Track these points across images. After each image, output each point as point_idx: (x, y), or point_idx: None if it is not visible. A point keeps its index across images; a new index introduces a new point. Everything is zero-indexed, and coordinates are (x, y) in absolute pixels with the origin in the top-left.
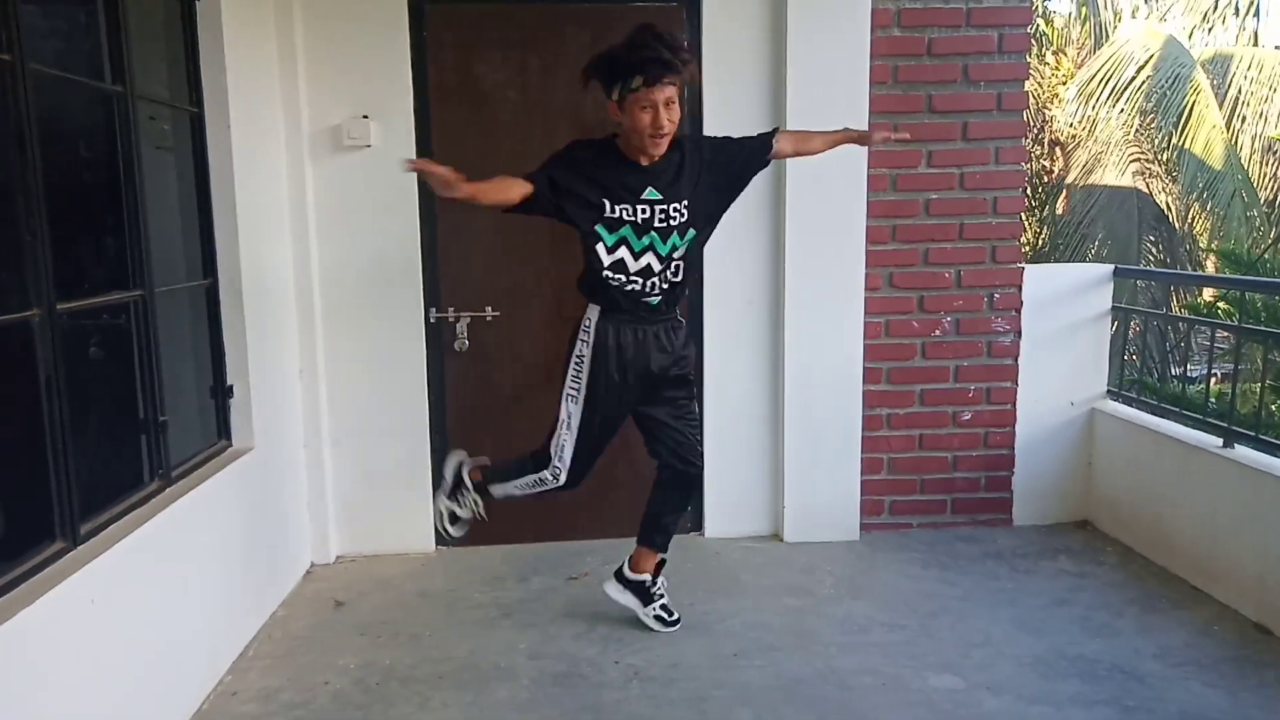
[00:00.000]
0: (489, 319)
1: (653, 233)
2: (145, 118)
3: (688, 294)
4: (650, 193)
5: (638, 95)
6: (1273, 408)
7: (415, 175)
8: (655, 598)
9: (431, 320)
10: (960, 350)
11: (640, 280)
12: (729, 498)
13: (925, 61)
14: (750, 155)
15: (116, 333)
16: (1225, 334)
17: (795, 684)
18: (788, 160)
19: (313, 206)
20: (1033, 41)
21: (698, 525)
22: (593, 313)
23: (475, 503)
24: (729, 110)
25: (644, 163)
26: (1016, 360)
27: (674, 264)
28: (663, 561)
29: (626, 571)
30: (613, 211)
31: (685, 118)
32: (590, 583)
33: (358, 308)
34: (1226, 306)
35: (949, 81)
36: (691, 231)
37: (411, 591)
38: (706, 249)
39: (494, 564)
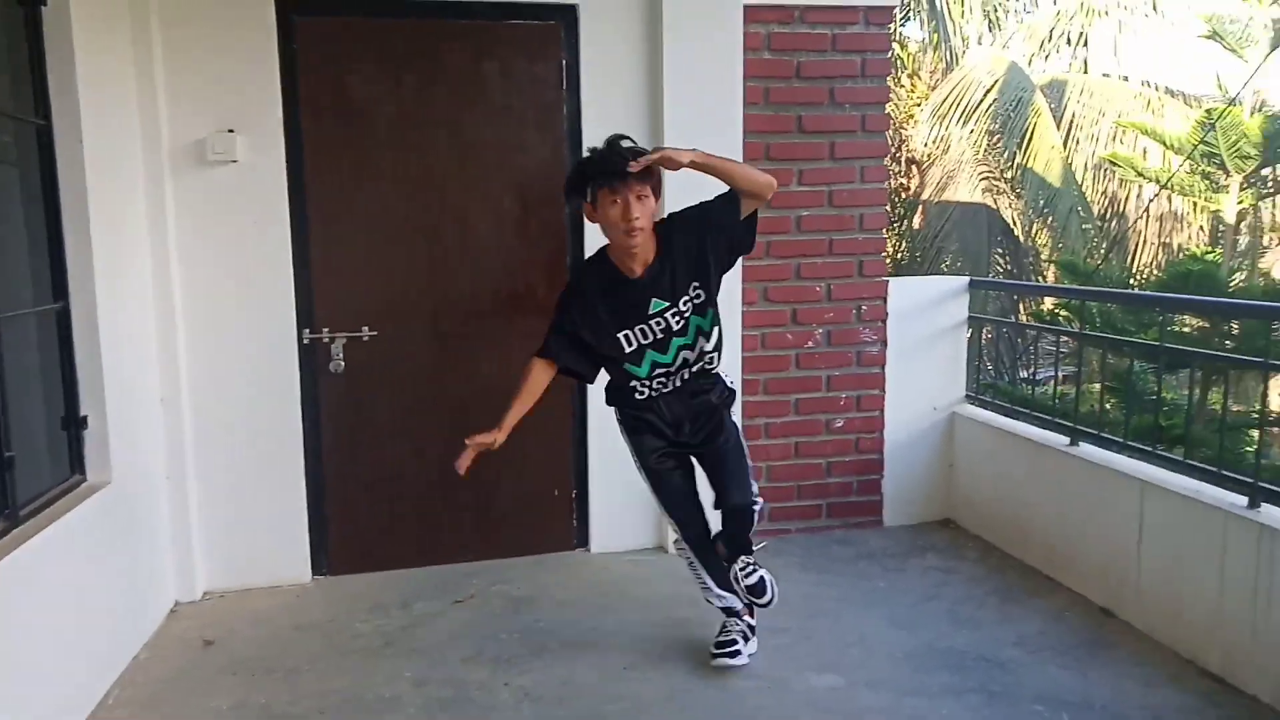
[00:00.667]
0: (365, 339)
1: (674, 338)
2: None
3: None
4: (656, 304)
5: (605, 191)
6: (1108, 406)
7: (285, 190)
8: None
9: (305, 341)
10: (831, 360)
11: (666, 378)
12: (613, 513)
13: (795, 84)
14: (719, 210)
15: None
16: (1066, 339)
17: (686, 694)
18: (664, 175)
19: (174, 225)
20: (892, 67)
21: (584, 541)
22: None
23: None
24: (606, 127)
25: (639, 272)
26: (884, 369)
27: (699, 346)
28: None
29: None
30: (630, 344)
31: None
32: (478, 604)
33: (225, 330)
34: (1066, 314)
35: (817, 103)
36: (711, 310)
37: (287, 625)
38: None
39: (375, 591)
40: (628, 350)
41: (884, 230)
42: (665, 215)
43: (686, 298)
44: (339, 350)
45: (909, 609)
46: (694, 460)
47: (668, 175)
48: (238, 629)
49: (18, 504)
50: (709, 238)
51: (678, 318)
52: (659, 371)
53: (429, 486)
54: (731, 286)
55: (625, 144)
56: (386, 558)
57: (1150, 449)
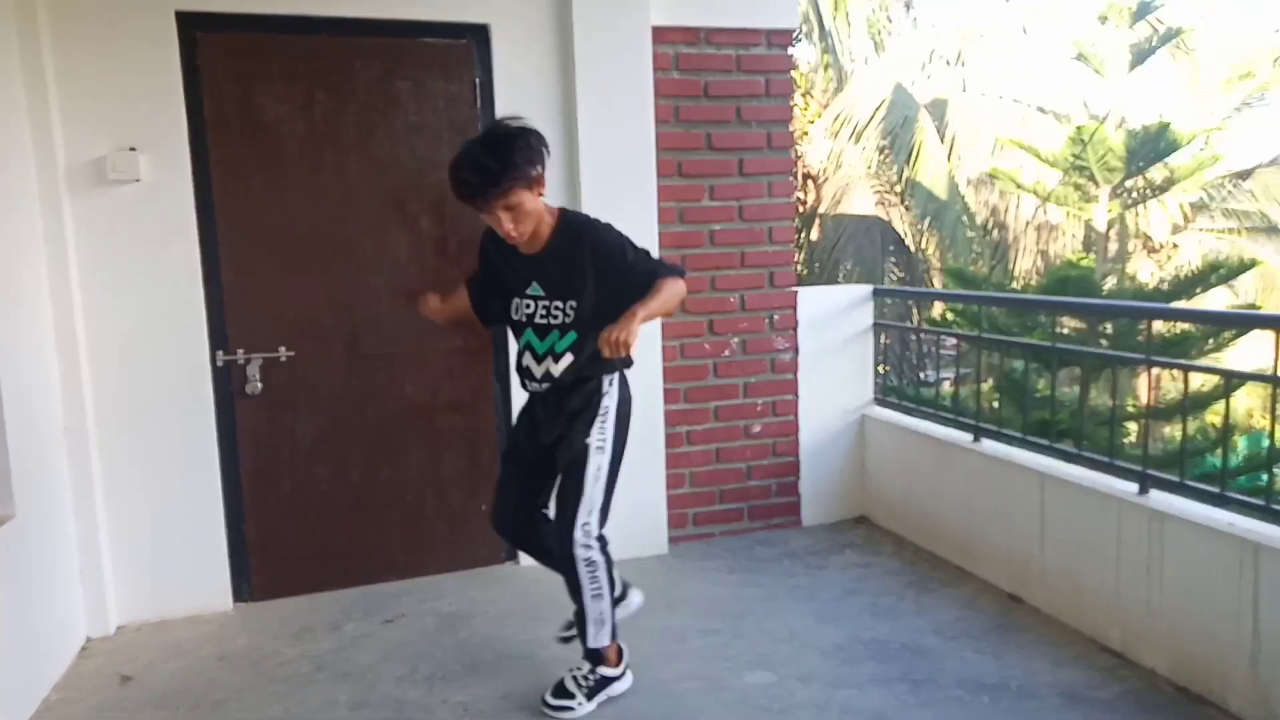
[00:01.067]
0: (283, 359)
1: (530, 330)
2: None
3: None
4: (534, 288)
5: (474, 207)
6: (996, 404)
7: (193, 209)
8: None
9: (219, 363)
10: (748, 368)
11: (523, 379)
12: None
13: (703, 103)
14: (625, 278)
15: None
16: (959, 342)
17: (624, 699)
18: (583, 190)
19: (74, 247)
20: (794, 86)
21: (512, 555)
22: None
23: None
24: None
25: (524, 250)
26: (796, 375)
27: (552, 363)
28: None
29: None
30: (515, 311)
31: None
32: (410, 623)
33: (133, 354)
34: (953, 318)
35: (725, 121)
36: (573, 334)
37: (210, 656)
38: None
39: (301, 615)
40: (514, 316)
41: (792, 242)
42: (586, 217)
43: (559, 305)
44: (255, 371)
45: (832, 604)
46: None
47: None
48: (157, 662)
49: None
50: (602, 286)
51: (545, 317)
52: (529, 357)
53: (353, 507)
54: None
55: (498, 132)
56: (311, 580)
57: (1048, 443)
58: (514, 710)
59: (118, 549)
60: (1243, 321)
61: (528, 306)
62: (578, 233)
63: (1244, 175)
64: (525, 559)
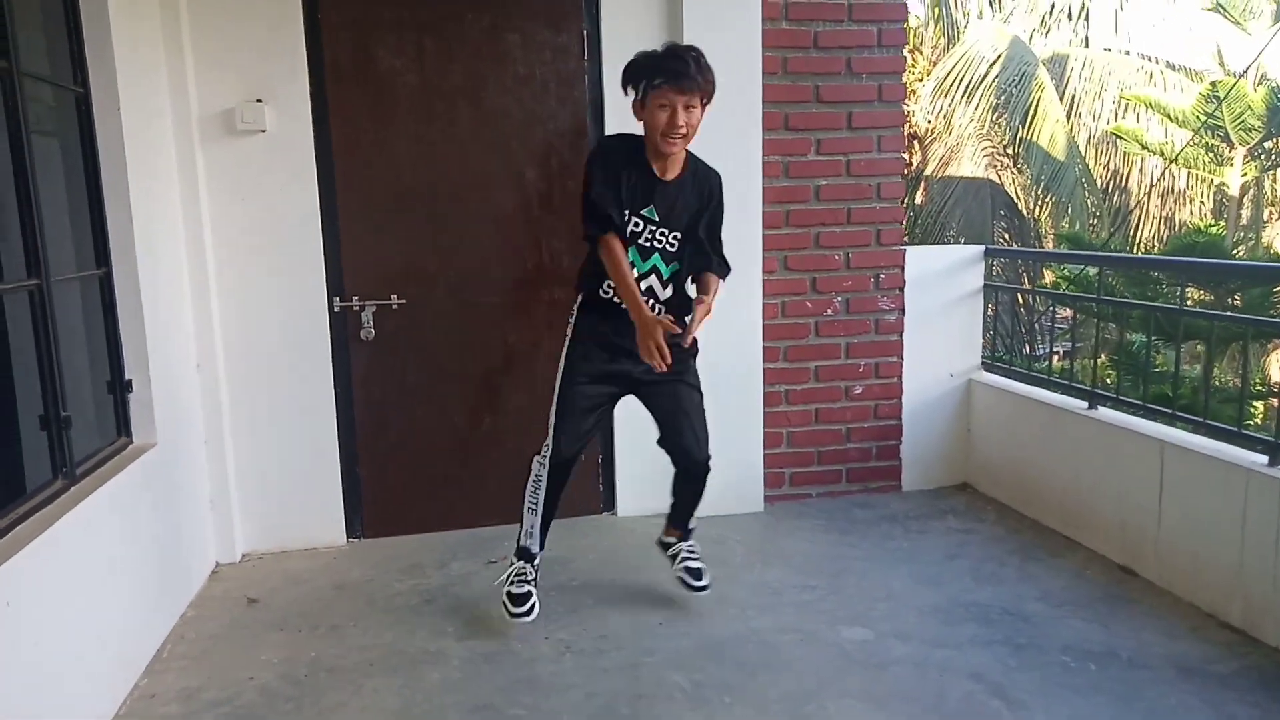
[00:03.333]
0: (395, 307)
1: (652, 254)
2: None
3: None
4: (651, 211)
5: (658, 92)
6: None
7: (313, 160)
8: (677, 559)
9: (336, 309)
10: (850, 328)
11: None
12: (640, 477)
13: (812, 54)
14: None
15: (11, 324)
16: (1066, 314)
17: (720, 645)
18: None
19: (205, 194)
20: (907, 37)
21: (610, 505)
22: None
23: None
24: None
25: (657, 172)
26: (901, 336)
27: (655, 284)
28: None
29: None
30: (629, 226)
31: (691, 131)
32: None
33: (257, 298)
34: (1066, 289)
35: (834, 73)
36: (676, 265)
37: (326, 585)
38: None
39: (409, 553)
40: (626, 230)
41: (900, 200)
42: (711, 169)
43: (665, 233)
44: (369, 318)
45: (932, 567)
46: (642, 399)
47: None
48: (279, 589)
49: (74, 463)
50: (697, 239)
51: (653, 240)
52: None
53: (458, 452)
54: (751, 254)
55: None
56: (418, 521)
57: (1169, 411)
58: (613, 649)
59: (243, 482)
60: None
61: (636, 225)
62: (708, 178)
63: None
64: (621, 509)
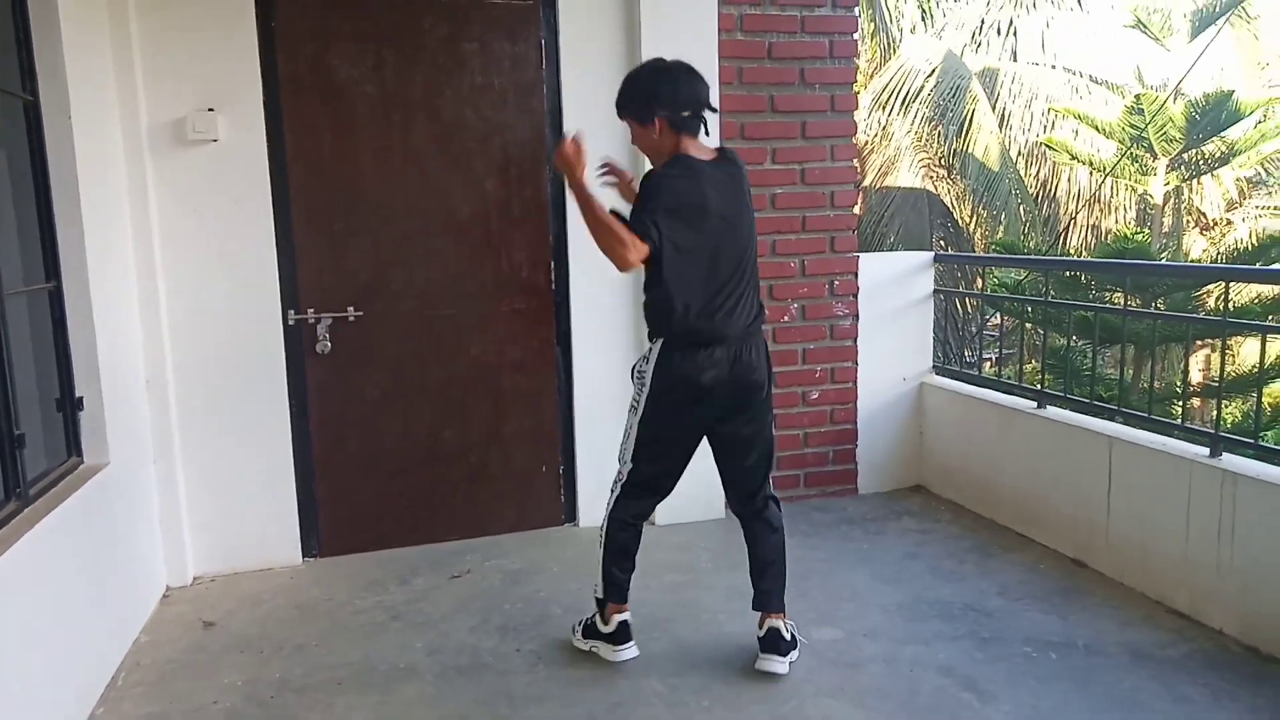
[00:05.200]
0: (352, 319)
1: None
2: None
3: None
4: None
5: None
6: (1041, 385)
7: (267, 170)
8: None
9: (290, 322)
10: (806, 334)
11: None
12: (601, 487)
13: (766, 65)
14: None
15: None
16: (997, 322)
17: (694, 650)
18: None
19: (155, 204)
20: (857, 49)
21: (572, 516)
22: None
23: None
24: (586, 106)
25: None
26: (855, 341)
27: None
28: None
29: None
30: None
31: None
32: (475, 579)
33: (209, 311)
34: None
35: (788, 84)
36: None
37: (286, 605)
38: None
39: (369, 569)
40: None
41: (853, 207)
42: (670, 167)
43: None
44: (325, 331)
45: (893, 566)
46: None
47: None
48: (236, 610)
49: (28, 484)
50: None
51: None
52: None
53: (418, 467)
54: None
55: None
56: (377, 538)
57: (1116, 408)
58: (586, 660)
59: (195, 502)
60: None
61: None
62: (640, 183)
63: None
64: (584, 520)
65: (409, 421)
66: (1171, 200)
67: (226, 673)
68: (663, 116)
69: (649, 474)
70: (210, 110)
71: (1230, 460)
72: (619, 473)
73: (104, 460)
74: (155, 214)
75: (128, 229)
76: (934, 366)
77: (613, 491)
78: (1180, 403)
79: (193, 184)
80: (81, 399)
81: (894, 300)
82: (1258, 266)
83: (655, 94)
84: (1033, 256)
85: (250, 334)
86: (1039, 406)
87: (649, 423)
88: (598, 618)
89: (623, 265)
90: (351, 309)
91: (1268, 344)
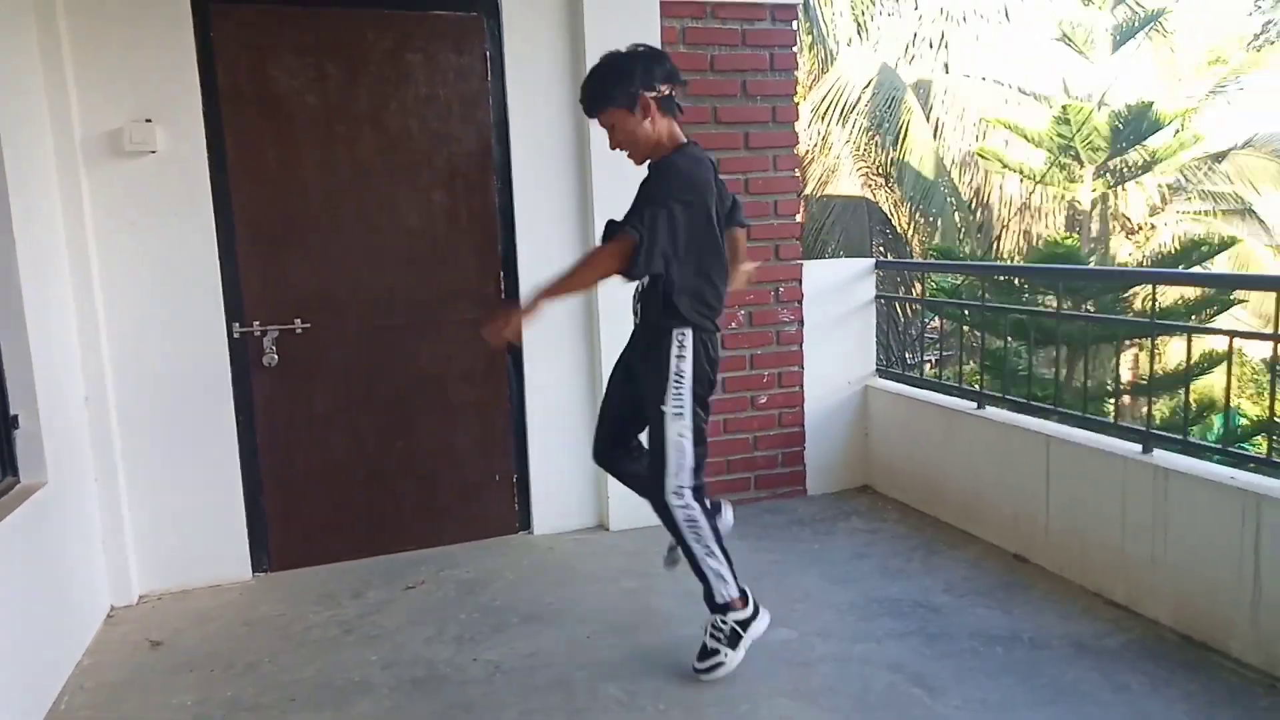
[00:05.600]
0: (299, 331)
1: None
2: None
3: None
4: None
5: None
6: (979, 385)
7: (208, 181)
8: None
9: (235, 335)
10: (754, 340)
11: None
12: (554, 494)
13: (709, 77)
14: None
15: None
16: (936, 325)
17: (650, 654)
18: (592, 165)
19: (90, 218)
20: (797, 61)
21: (526, 524)
22: None
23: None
24: (532, 116)
25: None
26: (801, 347)
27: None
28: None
29: None
30: None
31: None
32: (430, 590)
33: (150, 326)
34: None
35: (730, 96)
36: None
37: (235, 621)
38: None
39: (321, 583)
40: None
41: (796, 215)
42: (681, 157)
43: None
44: (271, 343)
45: (843, 566)
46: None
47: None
48: (184, 629)
49: None
50: None
51: None
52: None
53: (369, 478)
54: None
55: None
56: (328, 551)
57: (1052, 408)
58: (543, 668)
59: (138, 519)
60: (1249, 283)
61: None
62: (650, 169)
63: (1219, 158)
64: (538, 528)
65: (359, 432)
66: (1099, 206)
67: (176, 693)
68: (653, 96)
69: (701, 460)
70: (148, 121)
71: (1161, 456)
72: (679, 488)
73: (41, 479)
74: (91, 227)
75: (62, 243)
76: (877, 370)
77: (679, 504)
78: (1113, 400)
79: (130, 196)
80: (16, 417)
81: (838, 306)
82: (1179, 270)
83: (635, 75)
84: (969, 262)
85: (194, 348)
86: (979, 407)
87: (699, 415)
88: (732, 614)
89: (620, 271)
90: (298, 321)
91: (1193, 342)
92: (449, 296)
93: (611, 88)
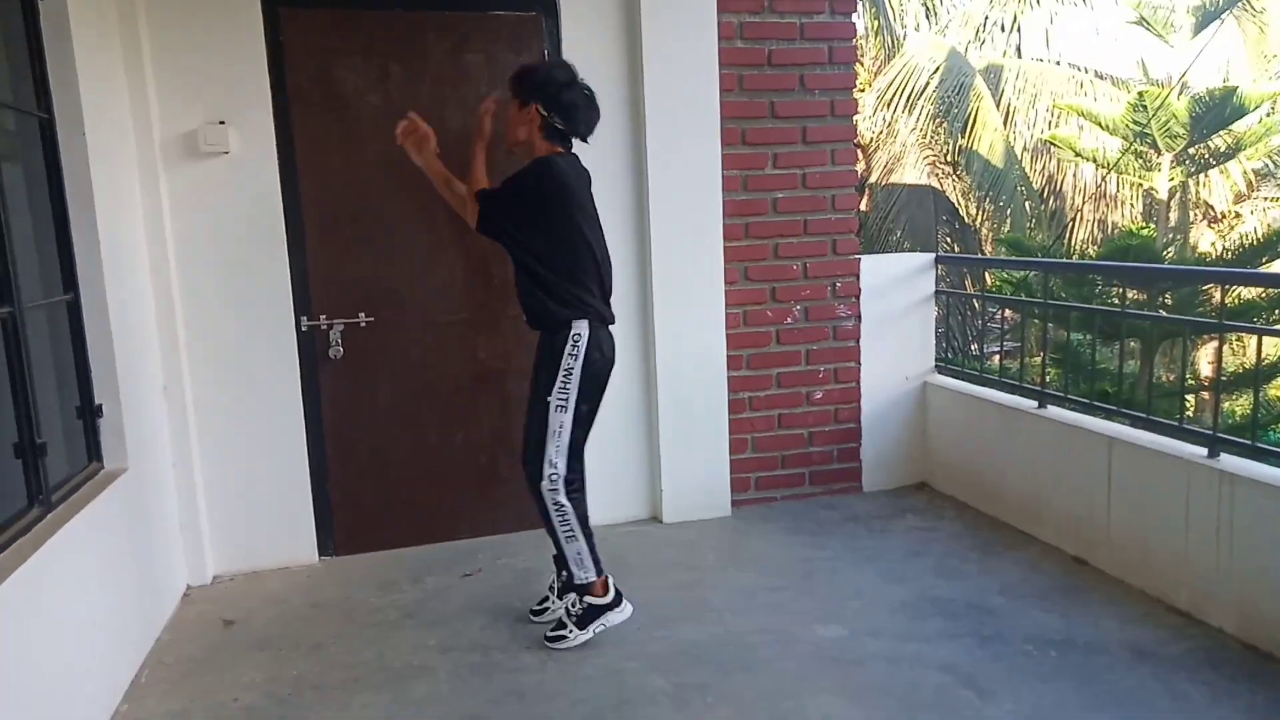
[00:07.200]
0: (363, 324)
1: None
2: None
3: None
4: None
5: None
6: (1046, 379)
7: (278, 180)
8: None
9: (303, 328)
10: (810, 335)
11: None
12: (608, 485)
13: (767, 71)
14: None
15: None
16: (1006, 315)
17: (698, 648)
18: (648, 158)
19: (169, 215)
20: (857, 54)
21: None
22: None
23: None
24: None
25: None
26: (858, 342)
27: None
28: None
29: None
30: None
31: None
32: (487, 578)
33: (224, 319)
34: (1008, 291)
35: (788, 89)
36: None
37: (303, 604)
38: None
39: (384, 569)
40: None
41: (854, 210)
42: (533, 165)
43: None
44: (337, 337)
45: (898, 564)
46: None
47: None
48: (255, 609)
49: (50, 490)
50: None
51: None
52: None
53: (429, 467)
54: (713, 266)
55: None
56: (390, 538)
57: (1115, 409)
58: (595, 657)
59: (213, 504)
60: None
61: None
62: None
63: None
64: (591, 519)
65: (420, 424)
66: (1178, 194)
67: (247, 670)
68: (541, 114)
69: (581, 440)
70: (221, 123)
71: (1228, 461)
72: (552, 475)
73: (123, 465)
74: (169, 225)
75: (143, 240)
76: (937, 365)
77: (552, 487)
78: (1186, 397)
79: (205, 195)
80: (101, 406)
81: (896, 301)
82: (1246, 270)
83: (542, 90)
84: (1031, 259)
85: (265, 340)
86: (1040, 406)
87: (582, 405)
88: (588, 598)
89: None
90: (363, 315)
91: (1264, 343)
92: (506, 292)
93: (524, 80)
